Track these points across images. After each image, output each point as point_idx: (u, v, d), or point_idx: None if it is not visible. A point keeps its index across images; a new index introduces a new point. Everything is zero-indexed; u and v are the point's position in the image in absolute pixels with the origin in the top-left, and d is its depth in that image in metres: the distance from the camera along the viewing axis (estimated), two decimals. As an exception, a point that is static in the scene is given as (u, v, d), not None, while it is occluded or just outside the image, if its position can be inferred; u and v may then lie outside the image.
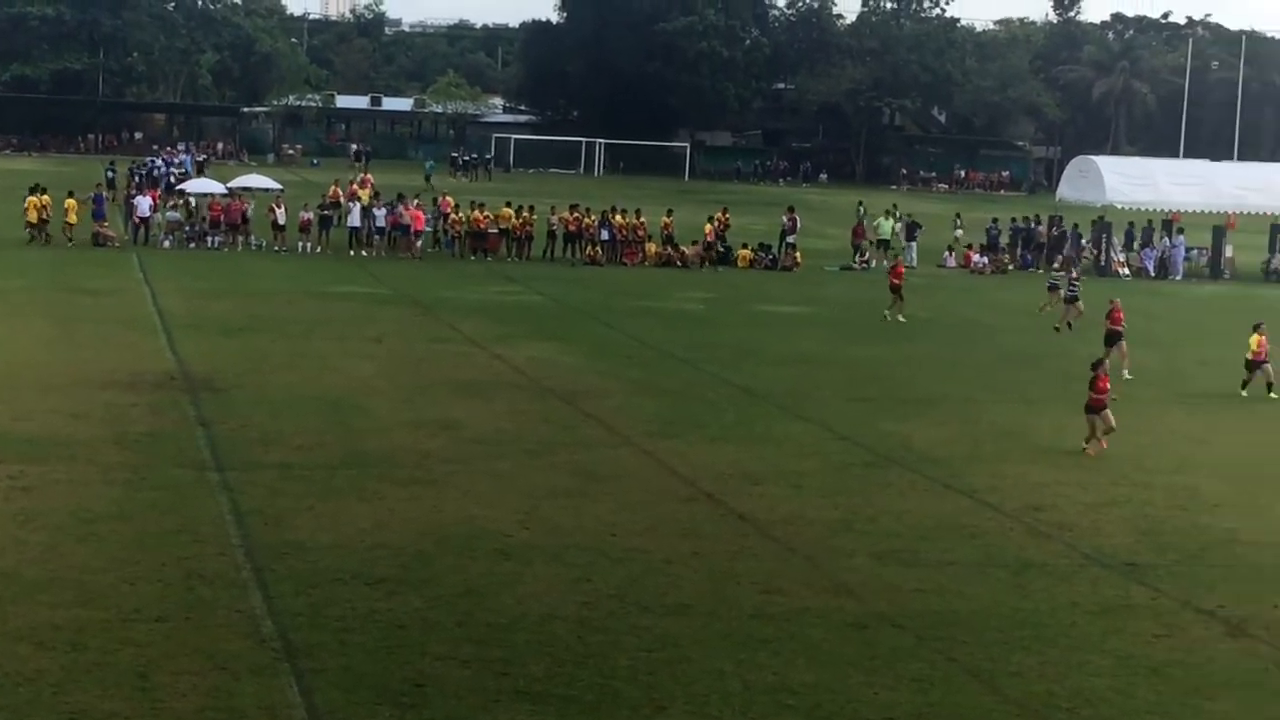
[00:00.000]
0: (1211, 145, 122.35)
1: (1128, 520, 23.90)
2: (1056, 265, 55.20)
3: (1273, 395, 34.50)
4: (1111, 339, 37.23)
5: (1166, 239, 65.84)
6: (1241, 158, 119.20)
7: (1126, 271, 63.04)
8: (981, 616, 18.95)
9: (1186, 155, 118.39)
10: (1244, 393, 34.83)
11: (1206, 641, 18.44)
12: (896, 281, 45.82)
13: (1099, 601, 19.76)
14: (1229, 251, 65.78)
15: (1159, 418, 31.50)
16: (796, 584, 19.92)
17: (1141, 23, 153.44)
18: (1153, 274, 63.72)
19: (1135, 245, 66.25)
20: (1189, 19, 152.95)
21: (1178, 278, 63.58)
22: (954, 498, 24.89)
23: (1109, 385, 28.49)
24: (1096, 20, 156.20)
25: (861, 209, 73.21)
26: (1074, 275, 47.96)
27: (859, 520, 23.14)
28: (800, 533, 22.34)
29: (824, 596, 19.49)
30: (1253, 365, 34.82)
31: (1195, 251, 66.44)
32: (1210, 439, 30.25)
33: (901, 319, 44.98)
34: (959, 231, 68.82)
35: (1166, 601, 19.86)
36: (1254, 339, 34.96)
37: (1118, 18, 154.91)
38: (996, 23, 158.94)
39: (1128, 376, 35.38)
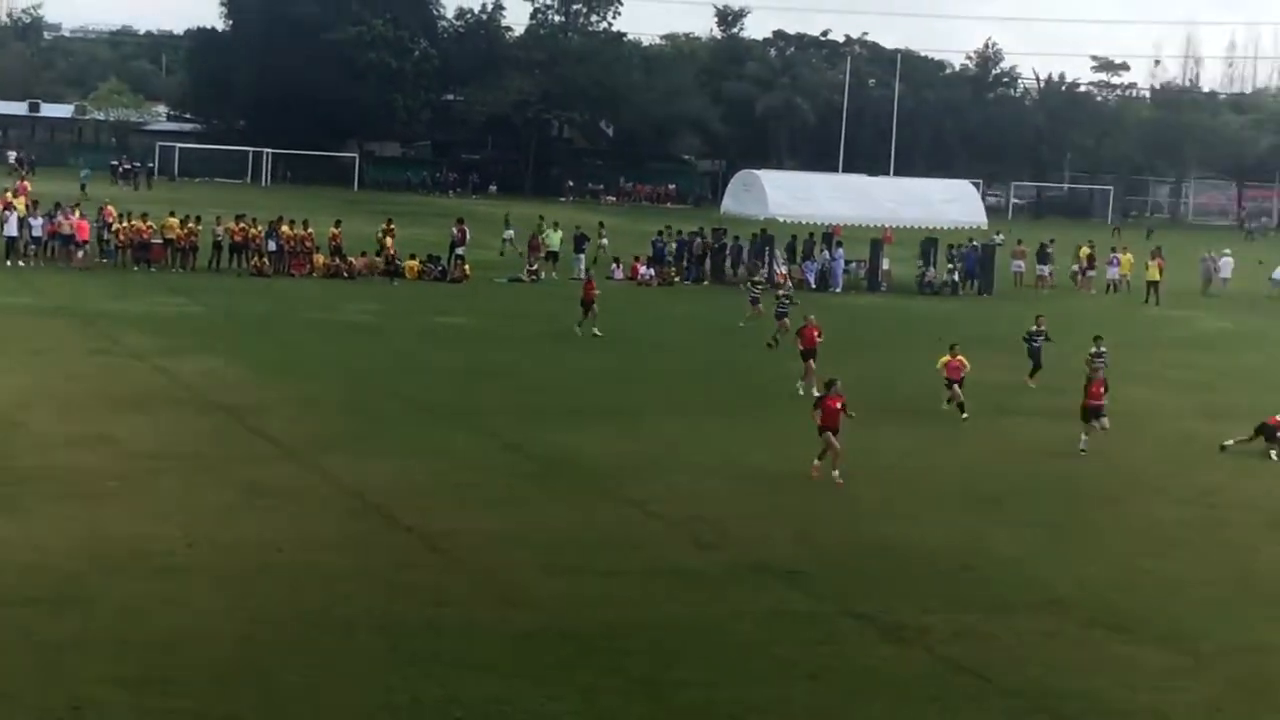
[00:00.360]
0: (869, 160, 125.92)
1: (789, 528, 24.40)
2: (758, 279, 56.04)
3: (949, 405, 35.25)
4: (805, 356, 37.95)
5: (826, 252, 67.27)
6: (897, 173, 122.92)
7: (789, 284, 64.23)
8: (647, 626, 19.19)
9: (846, 170, 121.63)
10: (946, 407, 35.39)
11: (864, 646, 18.95)
12: (592, 294, 46.06)
13: (761, 609, 20.17)
14: (886, 264, 67.52)
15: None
16: (465, 596, 19.97)
17: (802, 40, 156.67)
18: (814, 286, 64.95)
19: (797, 258, 67.69)
20: (847, 38, 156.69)
21: (838, 290, 64.94)
22: (621, 508, 25.17)
23: (839, 404, 28.39)
24: (759, 37, 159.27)
25: (507, 219, 73.80)
26: (782, 292, 48.84)
27: (527, 531, 23.26)
28: (469, 545, 22.37)
29: (493, 608, 19.56)
30: (950, 383, 35.62)
31: (854, 264, 68.01)
32: (872, 448, 30.95)
33: (578, 330, 45.24)
34: (604, 241, 69.66)
35: (826, 608, 20.37)
36: (942, 359, 35.86)
37: (779, 35, 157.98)
38: (663, 38, 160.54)
39: (802, 394, 35.86)
